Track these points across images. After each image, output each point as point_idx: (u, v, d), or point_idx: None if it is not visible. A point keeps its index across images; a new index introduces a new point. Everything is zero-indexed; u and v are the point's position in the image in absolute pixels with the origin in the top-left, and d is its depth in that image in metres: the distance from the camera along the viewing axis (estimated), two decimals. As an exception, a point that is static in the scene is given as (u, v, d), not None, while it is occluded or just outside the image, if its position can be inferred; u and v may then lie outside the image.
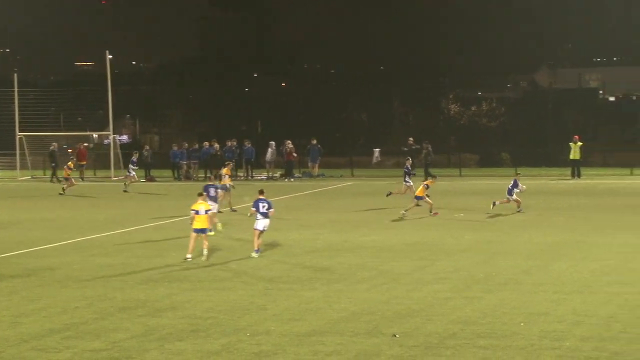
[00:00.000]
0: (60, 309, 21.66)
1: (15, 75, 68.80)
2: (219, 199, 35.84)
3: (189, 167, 63.00)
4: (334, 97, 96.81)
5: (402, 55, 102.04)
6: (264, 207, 28.72)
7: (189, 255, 27.98)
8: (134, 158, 56.21)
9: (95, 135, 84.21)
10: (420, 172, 55.01)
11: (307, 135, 65.91)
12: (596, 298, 21.89)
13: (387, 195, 42.18)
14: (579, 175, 57.23)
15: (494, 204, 39.23)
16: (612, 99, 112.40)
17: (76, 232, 35.71)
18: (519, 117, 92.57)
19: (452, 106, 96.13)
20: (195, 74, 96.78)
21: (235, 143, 62.20)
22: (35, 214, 42.87)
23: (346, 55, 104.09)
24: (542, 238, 32.14)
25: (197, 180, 56.80)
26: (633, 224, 35.52)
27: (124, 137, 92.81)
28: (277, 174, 62.72)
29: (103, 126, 72.80)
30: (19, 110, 67.83)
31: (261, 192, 29.40)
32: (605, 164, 65.70)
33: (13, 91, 67.75)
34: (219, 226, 30.24)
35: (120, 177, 62.38)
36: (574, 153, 57.63)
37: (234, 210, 40.88)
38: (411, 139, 62.19)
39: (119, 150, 67.73)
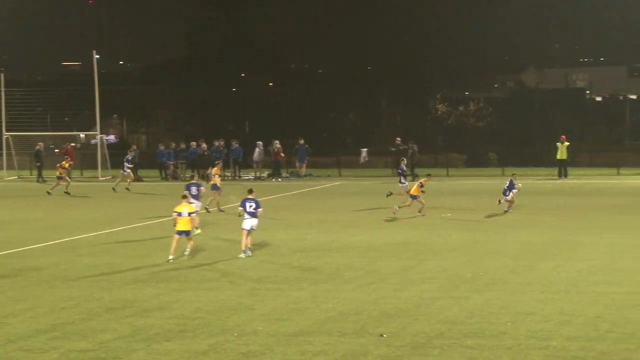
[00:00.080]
0: (47, 309, 21.60)
1: (2, 74, 68.63)
2: (201, 197, 35.86)
3: (176, 167, 62.95)
4: (321, 97, 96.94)
5: (389, 55, 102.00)
6: (250, 206, 28.69)
7: (170, 257, 27.97)
8: (129, 156, 56.16)
9: (82, 135, 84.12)
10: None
11: (294, 135, 65.95)
12: (583, 298, 21.94)
13: (387, 196, 41.91)
14: (565, 175, 57.38)
15: (499, 201, 39.30)
16: (598, 99, 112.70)
17: (63, 232, 35.62)
18: (506, 117, 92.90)
19: (440, 106, 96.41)
20: (183, 74, 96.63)
21: (222, 143, 62.17)
22: (22, 214, 42.76)
23: (334, 55, 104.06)
24: (529, 238, 32.20)
25: (185, 180, 56.63)
26: (620, 224, 35.62)
27: (111, 137, 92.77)
28: (265, 174, 62.71)
29: (90, 126, 72.66)
30: (6, 110, 67.69)
31: (250, 191, 29.37)
32: (591, 164, 65.89)
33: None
34: (197, 231, 30.27)
35: (108, 177, 62.37)
36: (561, 153, 57.78)
37: (222, 211, 40.91)
38: (399, 139, 62.28)
39: (106, 151, 67.63)
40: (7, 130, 67.34)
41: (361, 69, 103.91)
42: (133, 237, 33.97)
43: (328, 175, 62.72)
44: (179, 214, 28.13)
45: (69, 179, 53.46)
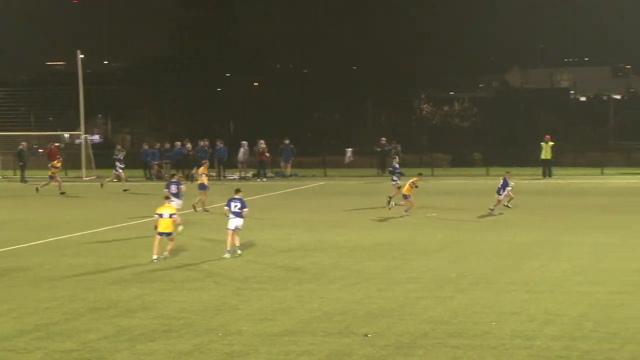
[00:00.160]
0: (31, 310, 21.54)
1: (-14, 74, 68.50)
2: (181, 195, 35.89)
3: (160, 167, 62.85)
4: (306, 97, 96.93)
5: (374, 55, 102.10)
6: (236, 206, 28.66)
7: (154, 257, 27.95)
8: (121, 156, 56.10)
9: (66, 135, 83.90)
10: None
11: (279, 135, 65.93)
12: (567, 297, 21.99)
13: (389, 208, 41.75)
14: (550, 175, 57.51)
15: (490, 210, 39.20)
16: (583, 99, 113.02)
17: (48, 232, 35.54)
18: (490, 117, 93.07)
19: (425, 106, 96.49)
20: (167, 73, 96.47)
21: (207, 143, 62.11)
22: (6, 215, 42.62)
23: (319, 55, 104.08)
24: (514, 237, 32.26)
25: (167, 180, 56.67)
26: (604, 224, 35.73)
27: (96, 137, 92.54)
28: (250, 174, 62.68)
29: (74, 126, 72.51)
30: (-11, 110, 67.53)
31: (237, 191, 29.35)
32: (576, 163, 66.10)
33: (-17, 90, 67.51)
34: (180, 228, 30.30)
35: (92, 177, 62.23)
36: (545, 153, 57.92)
37: (207, 210, 40.90)
38: (383, 139, 62.32)
39: (90, 150, 67.47)
40: (-10, 130, 67.19)
41: (346, 69, 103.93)
42: (117, 237, 33.91)
43: (313, 175, 62.74)
44: (160, 216, 28.12)
45: (59, 179, 53.33)
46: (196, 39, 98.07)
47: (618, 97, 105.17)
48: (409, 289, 23.32)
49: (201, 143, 61.97)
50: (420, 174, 42.55)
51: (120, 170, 54.36)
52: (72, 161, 70.19)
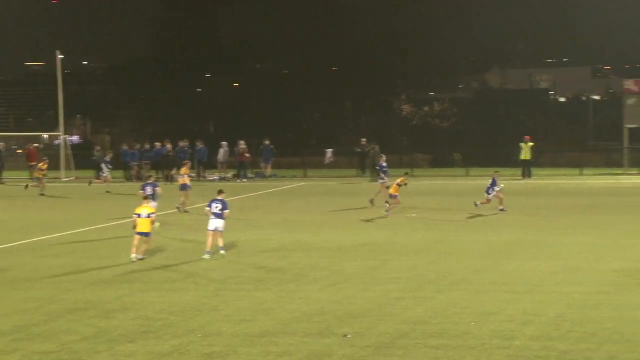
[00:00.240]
0: (10, 311, 21.46)
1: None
2: (157, 197, 35.80)
3: (140, 167, 62.69)
4: (286, 98, 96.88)
5: (354, 56, 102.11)
6: (216, 207, 28.64)
7: (132, 255, 27.97)
8: (107, 157, 56.02)
9: (45, 135, 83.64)
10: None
11: (259, 135, 65.88)
12: (546, 297, 22.06)
13: (371, 204, 41.81)
14: (529, 176, 57.67)
15: (475, 204, 39.31)
16: (562, 99, 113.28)
17: (27, 233, 35.43)
18: (470, 118, 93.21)
19: (405, 106, 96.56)
20: (147, 74, 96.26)
21: (187, 143, 62.00)
22: (-16, 215, 42.48)
23: (299, 56, 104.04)
24: (493, 238, 32.35)
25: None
26: (582, 224, 35.87)
27: (75, 138, 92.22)
28: (229, 175, 62.60)
29: (53, 126, 72.26)
30: (-32, 110, 67.27)
31: (219, 192, 29.33)
32: (555, 164, 66.28)
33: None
34: (156, 225, 30.15)
35: (71, 178, 62.05)
36: (525, 153, 58.08)
37: (186, 211, 40.86)
38: (363, 139, 62.36)
39: (69, 151, 67.26)
40: (-31, 131, 66.89)
41: (326, 69, 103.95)
42: (97, 238, 33.84)
43: (293, 176, 62.74)
44: (139, 216, 28.15)
45: (44, 181, 53.14)
46: (176, 40, 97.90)
47: (597, 97, 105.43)
48: (388, 289, 23.35)
49: (181, 143, 61.85)
50: (406, 173, 42.62)
51: (107, 173, 54.30)
52: (50, 162, 69.88)
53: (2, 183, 60.29)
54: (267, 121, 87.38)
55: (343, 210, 41.71)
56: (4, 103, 75.19)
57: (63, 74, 65.62)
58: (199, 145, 62.15)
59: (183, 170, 42.97)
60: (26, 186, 52.02)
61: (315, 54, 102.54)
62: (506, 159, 62.31)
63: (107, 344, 18.36)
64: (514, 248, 29.96)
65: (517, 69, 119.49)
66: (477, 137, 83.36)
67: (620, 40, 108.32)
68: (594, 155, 71.25)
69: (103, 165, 54.89)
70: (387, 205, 38.93)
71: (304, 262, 27.79)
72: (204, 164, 62.74)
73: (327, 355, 17.34)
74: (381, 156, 45.64)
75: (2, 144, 64.93)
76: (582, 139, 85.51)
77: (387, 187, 40.61)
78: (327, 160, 67.64)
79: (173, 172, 58.36)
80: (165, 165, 60.46)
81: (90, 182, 53.86)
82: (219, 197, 28.89)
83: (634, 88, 61.72)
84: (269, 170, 62.68)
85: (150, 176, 41.19)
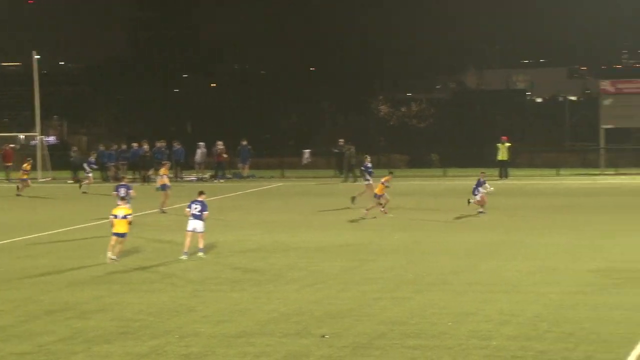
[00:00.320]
0: (-14, 313, 21.37)
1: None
2: (129, 199, 35.65)
3: (117, 168, 62.46)
4: (264, 98, 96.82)
5: (332, 57, 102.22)
6: (196, 208, 28.59)
7: (109, 253, 27.92)
8: (92, 158, 55.83)
9: (22, 136, 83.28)
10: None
11: (237, 136, 65.76)
12: (523, 298, 22.13)
13: (352, 202, 41.76)
14: (506, 176, 57.78)
15: (468, 201, 39.16)
16: (539, 100, 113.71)
17: (3, 233, 35.24)
18: (448, 118, 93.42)
19: (382, 107, 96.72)
20: (124, 74, 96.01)
21: (164, 144, 61.82)
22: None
23: (276, 56, 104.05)
24: (471, 238, 32.41)
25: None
26: (559, 224, 35.99)
27: (52, 138, 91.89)
28: (207, 175, 62.46)
29: (30, 127, 71.96)
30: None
31: (200, 193, 29.25)
32: (532, 164, 66.42)
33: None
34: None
35: (47, 179, 61.81)
36: (502, 154, 58.18)
37: (164, 212, 40.75)
38: (341, 140, 62.34)
39: (46, 152, 66.97)
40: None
41: (304, 70, 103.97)
42: (73, 239, 33.71)
43: (271, 177, 62.67)
44: (115, 217, 28.10)
45: (29, 182, 52.86)
46: (153, 40, 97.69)
47: (574, 98, 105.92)
48: (366, 289, 23.36)
49: (158, 144, 61.66)
50: (391, 173, 42.48)
51: (91, 174, 54.12)
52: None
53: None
54: (244, 122, 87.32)
55: (321, 210, 41.71)
56: (-20, 103, 74.93)
57: (40, 75, 65.33)
58: (177, 146, 61.96)
59: (162, 171, 42.86)
60: (18, 188, 51.68)
61: (293, 54, 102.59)
62: (483, 159, 62.39)
63: (85, 344, 18.30)
64: (492, 248, 30.03)
65: (494, 69, 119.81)
66: (454, 137, 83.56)
67: (596, 42, 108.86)
68: (571, 156, 71.52)
69: (86, 165, 54.72)
70: (382, 208, 38.69)
71: (282, 262, 27.79)
72: (182, 164, 62.55)
73: (305, 356, 17.34)
74: (366, 157, 45.43)
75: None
76: (559, 139, 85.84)
77: (372, 189, 40.46)
78: (304, 161, 67.60)
79: (150, 173, 58.22)
80: (142, 166, 60.24)
81: (80, 185, 53.50)
82: (199, 199, 28.83)
83: (610, 89, 61.98)
84: (246, 171, 62.58)
85: (123, 177, 41.01)
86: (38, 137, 67.06)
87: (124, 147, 63.38)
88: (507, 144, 58.17)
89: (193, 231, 28.50)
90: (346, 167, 58.94)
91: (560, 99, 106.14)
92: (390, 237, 33.00)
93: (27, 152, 75.29)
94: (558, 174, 59.92)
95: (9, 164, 63.52)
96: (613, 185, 53.25)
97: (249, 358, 17.27)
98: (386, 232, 34.20)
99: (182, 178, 61.61)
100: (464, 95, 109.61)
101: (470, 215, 38.70)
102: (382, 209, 38.59)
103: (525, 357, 17.07)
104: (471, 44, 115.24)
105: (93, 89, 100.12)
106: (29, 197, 50.61)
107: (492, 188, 40.15)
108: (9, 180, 60.43)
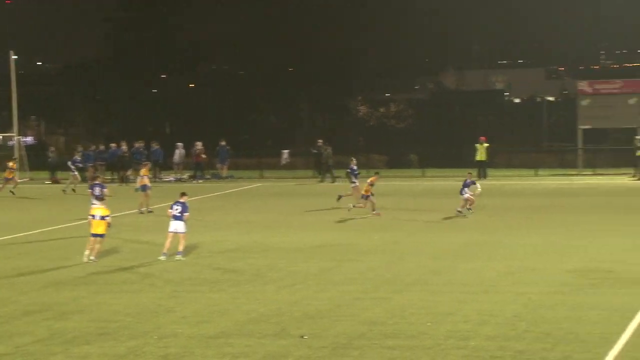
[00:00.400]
0: (-37, 314, 21.27)
1: None
2: (104, 198, 35.56)
3: (95, 168, 62.20)
4: (242, 99, 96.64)
5: (310, 57, 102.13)
6: (176, 209, 28.56)
7: (87, 252, 27.82)
8: (77, 157, 55.66)
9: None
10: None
11: (215, 136, 65.64)
12: (502, 298, 22.20)
13: (337, 200, 41.73)
14: (484, 176, 57.86)
15: (458, 210, 39.07)
16: (517, 100, 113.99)
17: (-20, 235, 35.10)
18: (426, 119, 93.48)
19: (361, 108, 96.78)
20: (102, 74, 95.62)
21: (143, 144, 61.66)
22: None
23: (255, 57, 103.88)
24: (449, 238, 32.47)
25: (104, 182, 56.15)
26: (538, 224, 36.09)
27: (29, 139, 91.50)
28: (185, 176, 62.35)
29: (7, 127, 71.62)
30: None
31: (182, 194, 29.24)
32: (510, 165, 66.55)
33: None
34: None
35: (25, 180, 61.49)
36: (480, 154, 58.27)
37: (142, 212, 40.66)
38: (320, 140, 62.33)
39: (23, 152, 66.66)
40: None
41: (282, 70, 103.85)
42: (51, 240, 33.59)
43: (250, 177, 62.61)
44: (93, 217, 28.08)
45: (17, 179, 52.67)
46: (131, 40, 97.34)
47: (552, 99, 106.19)
48: (345, 290, 23.38)
49: (137, 144, 61.51)
50: (377, 173, 42.43)
51: (76, 172, 53.96)
52: (3, 163, 69.26)
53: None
54: (223, 122, 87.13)
55: (300, 211, 41.70)
56: (-44, 104, 74.47)
57: (17, 75, 65.04)
58: (155, 146, 61.82)
59: (143, 171, 42.74)
60: (12, 192, 51.47)
61: (272, 55, 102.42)
62: (462, 159, 62.50)
63: (63, 345, 18.25)
64: (470, 249, 30.10)
65: (472, 70, 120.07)
66: (433, 138, 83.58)
67: (574, 42, 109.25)
68: (549, 156, 71.65)
69: (70, 164, 54.59)
70: (373, 211, 38.69)
71: (261, 263, 27.78)
72: (160, 165, 62.40)
73: (284, 357, 17.34)
74: (352, 159, 45.22)
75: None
76: (537, 140, 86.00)
77: (359, 191, 40.44)
78: (283, 161, 67.56)
79: (129, 173, 58.10)
80: (120, 167, 60.08)
81: (65, 190, 53.29)
82: (181, 200, 28.83)
83: (588, 89, 62.15)
84: (225, 172, 62.48)
85: (97, 177, 40.86)
86: (15, 138, 66.74)
87: (102, 147, 63.16)
88: (486, 145, 58.29)
89: (175, 232, 28.48)
90: (323, 168, 58.96)
91: (538, 99, 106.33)
92: (369, 237, 33.02)
93: (4, 152, 74.99)
94: (536, 175, 60.07)
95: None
96: (590, 185, 53.43)
97: (228, 359, 17.26)
98: (365, 233, 34.23)
99: (161, 179, 61.44)
100: (443, 95, 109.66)
101: (450, 217, 38.71)
102: (374, 212, 38.61)
103: (504, 357, 17.12)
104: (450, 45, 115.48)
105: (70, 89, 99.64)
106: (6, 197, 50.39)
107: (479, 189, 40.13)
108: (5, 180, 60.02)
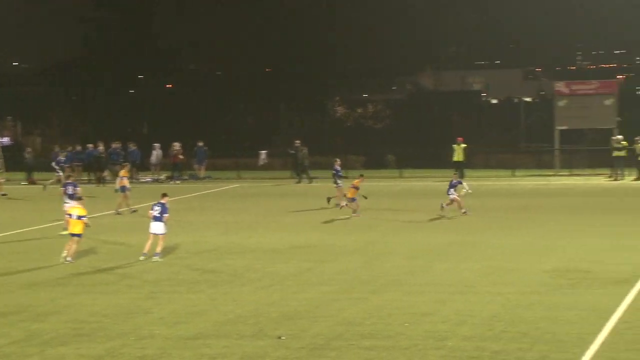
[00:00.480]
0: (-61, 315, 21.15)
1: None
2: (76, 197, 35.45)
3: (72, 169, 61.96)
4: (220, 99, 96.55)
5: (288, 57, 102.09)
6: (156, 210, 28.51)
7: (64, 253, 27.76)
8: (61, 157, 55.48)
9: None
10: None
11: (193, 137, 65.50)
12: (479, 298, 22.24)
13: (328, 202, 41.76)
14: (461, 177, 57.94)
15: (442, 206, 39.02)
16: (494, 101, 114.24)
17: (-45, 236, 34.92)
18: (404, 119, 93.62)
19: (339, 108, 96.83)
20: (79, 75, 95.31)
21: (120, 145, 61.47)
22: None
23: (232, 57, 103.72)
24: (426, 239, 32.51)
25: (81, 183, 55.95)
26: (515, 225, 36.18)
27: (5, 140, 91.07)
28: (163, 176, 62.20)
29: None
30: None
31: (163, 195, 29.18)
32: (487, 165, 66.64)
33: None
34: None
35: (1, 181, 61.19)
36: (457, 155, 58.35)
37: (119, 213, 40.52)
38: (297, 141, 62.32)
39: (0, 153, 66.29)
40: None
41: (260, 71, 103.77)
42: (27, 241, 33.43)
43: (227, 178, 62.51)
44: (70, 216, 28.05)
45: (1, 180, 52.45)
46: (108, 40, 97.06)
47: (529, 99, 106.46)
48: (322, 290, 23.38)
49: (114, 145, 61.31)
50: (361, 175, 42.38)
51: (62, 173, 53.75)
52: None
53: None
54: (200, 123, 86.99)
55: (278, 211, 41.66)
56: None
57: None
58: (132, 147, 61.62)
59: (122, 172, 42.58)
60: (4, 194, 51.20)
61: (249, 55, 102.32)
62: (440, 160, 62.58)
63: (39, 347, 18.17)
64: (447, 249, 30.14)
65: (450, 70, 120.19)
66: (410, 138, 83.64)
67: (550, 43, 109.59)
68: (526, 157, 71.77)
69: (54, 164, 54.44)
70: (354, 212, 38.73)
71: (238, 263, 27.74)
72: (137, 165, 62.19)
73: (261, 358, 17.32)
74: (336, 160, 45.05)
75: None
76: (514, 140, 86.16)
77: (345, 194, 40.41)
78: (261, 162, 67.48)
79: (105, 174, 57.96)
80: (97, 167, 59.85)
81: (44, 187, 53.08)
82: (161, 201, 28.78)
83: (565, 90, 62.35)
84: (202, 172, 62.35)
85: (70, 176, 40.71)
86: (-8, 139, 66.42)
87: (78, 148, 62.90)
88: (463, 145, 58.37)
89: (155, 233, 28.44)
90: (299, 168, 58.94)
91: (516, 100, 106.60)
92: (346, 238, 33.03)
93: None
94: (513, 175, 60.21)
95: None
96: (567, 186, 53.61)
97: (205, 360, 17.25)
98: (342, 233, 34.24)
99: (138, 179, 61.23)
100: (420, 96, 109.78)
101: (433, 218, 38.74)
102: (355, 214, 38.63)
103: (481, 357, 17.16)
104: (427, 45, 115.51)
105: (47, 89, 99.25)
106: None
107: (466, 189, 40.14)
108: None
